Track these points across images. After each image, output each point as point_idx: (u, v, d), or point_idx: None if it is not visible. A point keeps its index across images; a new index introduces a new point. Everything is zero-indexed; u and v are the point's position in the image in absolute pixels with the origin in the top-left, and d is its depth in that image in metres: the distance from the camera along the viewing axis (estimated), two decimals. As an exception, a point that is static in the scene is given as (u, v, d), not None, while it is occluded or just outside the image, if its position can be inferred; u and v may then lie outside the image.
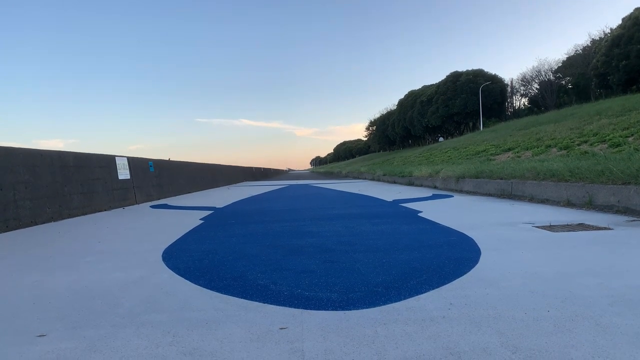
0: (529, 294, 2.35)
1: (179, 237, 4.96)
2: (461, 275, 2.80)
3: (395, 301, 2.32)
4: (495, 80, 47.42)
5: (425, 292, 2.47)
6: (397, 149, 73.57)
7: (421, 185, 14.56)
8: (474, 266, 3.05)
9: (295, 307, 2.27)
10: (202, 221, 6.50)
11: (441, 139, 58.76)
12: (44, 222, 6.77)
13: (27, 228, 6.29)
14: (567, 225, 4.99)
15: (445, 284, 2.63)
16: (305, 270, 3.06)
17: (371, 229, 5.09)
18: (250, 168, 38.31)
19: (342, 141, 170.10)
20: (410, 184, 15.77)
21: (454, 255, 3.40)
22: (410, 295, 2.41)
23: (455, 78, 49.13)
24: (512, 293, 2.39)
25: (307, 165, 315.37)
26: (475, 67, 49.99)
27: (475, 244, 3.93)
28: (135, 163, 11.01)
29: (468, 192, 10.46)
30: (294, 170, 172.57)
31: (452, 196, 9.65)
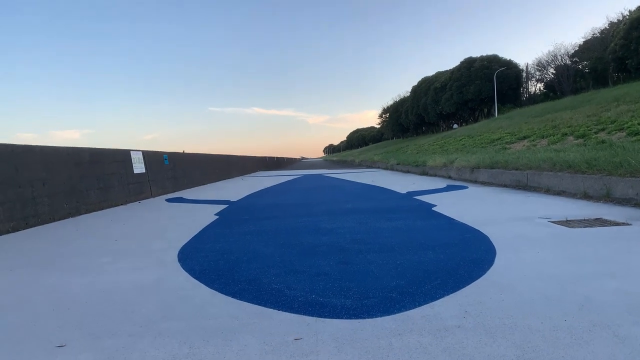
0: (545, 300, 2.33)
1: (195, 234, 5.01)
2: (476, 279, 2.78)
3: (410, 308, 2.31)
4: (510, 66, 46.62)
5: (440, 297, 2.46)
6: (410, 137, 73.02)
7: (435, 175, 14.47)
8: (489, 268, 3.02)
9: (309, 315, 2.28)
10: (217, 216, 6.54)
11: (455, 125, 58.16)
12: (62, 218, 6.87)
13: (45, 225, 6.40)
14: (584, 220, 4.92)
15: (460, 288, 2.61)
16: (320, 273, 3.07)
17: (385, 225, 5.08)
18: (264, 158, 38.37)
19: (355, 129, 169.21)
20: (424, 173, 15.67)
21: (468, 256, 3.37)
22: (425, 302, 2.40)
23: (469, 64, 48.40)
24: (528, 299, 2.37)
25: (320, 153, 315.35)
26: (490, 52, 49.17)
27: (490, 242, 3.89)
28: (150, 157, 11.10)
29: (483, 183, 10.37)
30: (308, 159, 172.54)
31: (466, 187, 9.57)
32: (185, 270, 3.33)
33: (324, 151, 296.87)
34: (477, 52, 56.86)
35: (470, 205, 6.59)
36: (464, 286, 2.65)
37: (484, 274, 2.88)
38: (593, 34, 45.91)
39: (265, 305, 2.46)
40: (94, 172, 8.23)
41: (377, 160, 28.17)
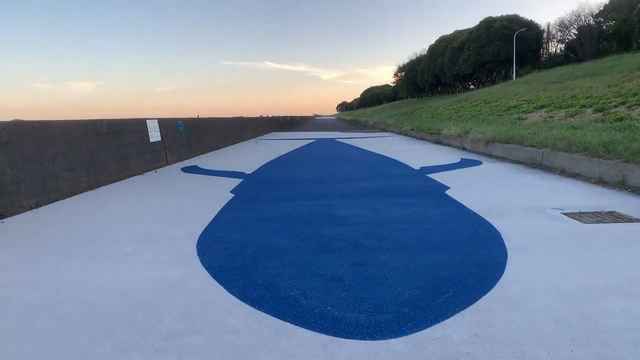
0: (553, 324, 2.41)
1: (211, 218, 5.13)
2: (487, 292, 2.86)
3: (422, 328, 2.41)
4: (531, 27, 45.08)
5: (451, 315, 2.55)
6: (425, 96, 71.91)
7: (449, 145, 14.39)
8: (500, 276, 3.10)
9: (325, 333, 2.39)
10: (232, 194, 6.65)
11: (472, 87, 57.10)
12: (82, 192, 7.04)
13: (66, 199, 6.57)
14: (597, 213, 4.94)
15: (471, 303, 2.70)
16: (334, 278, 3.17)
17: (398, 213, 5.15)
18: (277, 118, 38.28)
19: (369, 86, 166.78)
20: (438, 142, 15.58)
21: (479, 260, 3.44)
22: (437, 320, 2.50)
23: (488, 24, 46.90)
24: (537, 320, 2.45)
25: (334, 111, 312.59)
26: (511, 12, 47.62)
27: (502, 240, 3.96)
28: (165, 124, 11.17)
29: (497, 158, 10.32)
30: (320, 117, 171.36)
31: (480, 163, 9.54)
32: (205, 268, 3.46)
33: (337, 108, 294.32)
34: (497, 12, 55.09)
35: (483, 188, 6.61)
36: (474, 301, 2.74)
37: (494, 286, 2.95)
38: (620, -6, 44.08)
39: (282, 319, 2.57)
40: (112, 144, 8.34)
41: (391, 124, 27.92)
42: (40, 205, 6.05)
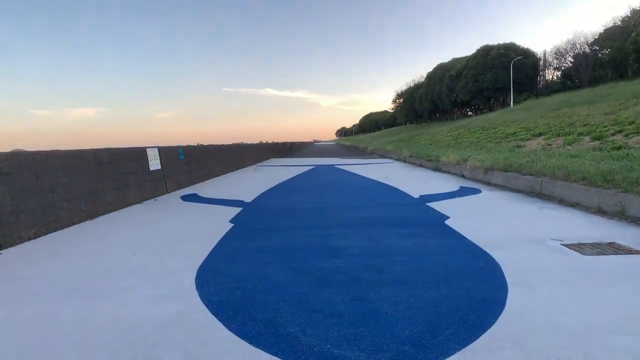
0: (555, 363, 2.39)
1: (211, 249, 5.12)
2: (487, 328, 2.84)
3: (423, 368, 2.39)
4: (527, 55, 45.89)
5: (452, 353, 2.53)
6: (424, 122, 72.54)
7: (449, 172, 14.43)
8: (500, 312, 3.08)
9: (325, 374, 2.36)
10: (231, 224, 6.64)
11: (470, 113, 57.62)
12: (81, 221, 7.03)
13: (65, 229, 6.56)
14: (598, 244, 4.94)
15: (472, 341, 2.68)
16: (334, 314, 3.15)
17: (398, 244, 5.14)
18: (277, 144, 38.49)
19: (367, 112, 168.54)
20: (437, 169, 15.64)
21: (480, 295, 3.43)
22: (437, 359, 2.48)
23: (485, 52, 47.70)
24: None
25: (333, 136, 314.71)
26: (507, 40, 48.53)
27: (502, 273, 3.95)
28: (165, 152, 11.22)
29: (496, 186, 10.34)
30: (320, 142, 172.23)
31: (480, 191, 9.56)
32: (204, 303, 3.43)
33: (336, 134, 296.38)
34: (494, 40, 56.05)
35: (482, 219, 6.60)
36: (475, 338, 2.71)
37: (495, 322, 2.93)
38: (614, 22, 44.98)
39: (282, 357, 2.55)
40: (112, 173, 8.37)
41: (390, 150, 28.08)
42: (39, 236, 6.03)
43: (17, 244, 5.60)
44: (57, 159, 6.86)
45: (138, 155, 9.74)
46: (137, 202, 9.07)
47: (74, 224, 6.85)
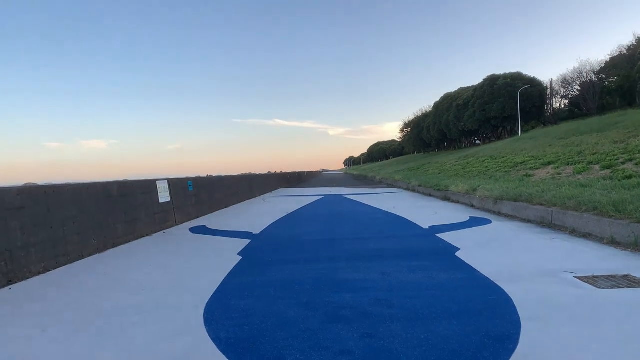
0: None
1: (219, 283, 5.09)
2: (501, 367, 2.78)
3: (435, 409, 2.33)
4: (534, 84, 46.19)
5: (464, 394, 2.48)
6: (432, 151, 72.71)
7: (458, 202, 14.37)
8: (513, 350, 3.02)
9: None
10: (240, 257, 6.62)
11: (478, 142, 57.69)
12: (90, 255, 7.05)
13: (75, 263, 6.57)
14: (612, 276, 4.85)
15: (485, 381, 2.62)
16: (344, 351, 3.10)
17: (408, 278, 5.09)
18: (285, 174, 38.64)
19: (375, 142, 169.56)
20: (446, 199, 15.57)
21: (492, 331, 3.36)
22: (450, 400, 2.42)
23: (492, 82, 48.10)
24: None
25: (341, 165, 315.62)
26: (513, 69, 48.88)
27: (514, 308, 3.88)
28: (175, 184, 11.30)
29: (506, 216, 10.26)
30: (328, 171, 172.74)
31: (490, 222, 9.48)
32: (212, 340, 3.40)
33: (344, 163, 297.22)
34: (500, 70, 56.57)
35: (493, 250, 6.53)
36: (488, 378, 2.65)
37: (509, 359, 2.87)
38: (620, 51, 45.26)
39: (291, 398, 2.51)
40: (122, 205, 8.43)
41: (399, 179, 28.05)
42: (49, 270, 6.04)
43: (27, 278, 5.61)
44: (68, 192, 6.94)
45: (148, 187, 9.82)
46: (147, 235, 9.09)
47: (83, 257, 6.87)
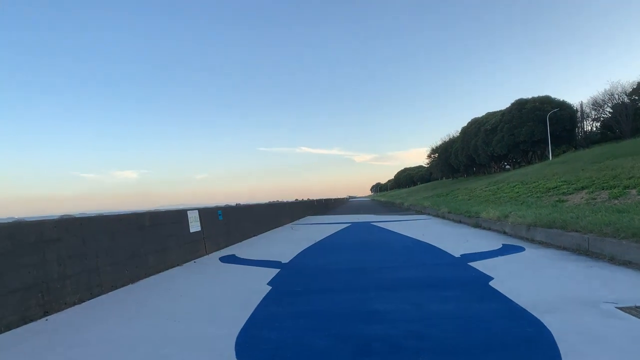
0: None
1: (250, 314, 5.09)
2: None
3: None
4: (563, 107, 45.49)
5: None
6: (460, 177, 71.92)
7: (489, 229, 14.08)
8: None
9: None
10: (269, 287, 6.62)
11: (508, 167, 56.82)
12: (123, 285, 7.15)
13: (108, 293, 6.67)
14: (656, 307, 4.65)
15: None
16: (377, 386, 3.04)
17: (439, 308, 4.98)
18: (312, 201, 38.70)
19: (402, 168, 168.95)
20: (477, 225, 15.29)
21: (531, 366, 3.25)
22: None
23: (520, 106, 47.60)
24: None
25: (368, 192, 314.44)
26: (542, 93, 48.20)
27: (553, 341, 3.75)
28: (205, 214, 11.45)
29: (540, 243, 10.00)
30: (355, 198, 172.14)
31: (523, 249, 9.25)
32: (243, 373, 3.38)
33: (371, 190, 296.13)
34: (528, 94, 55.98)
35: (528, 279, 6.35)
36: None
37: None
38: (652, 72, 44.31)
39: None
40: (153, 236, 8.57)
41: (427, 205, 27.73)
42: (83, 301, 6.15)
43: (63, 309, 5.72)
44: (102, 223, 7.10)
45: (179, 217, 9.97)
46: (177, 265, 9.19)
47: (116, 288, 6.97)
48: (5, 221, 5.61)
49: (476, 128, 57.21)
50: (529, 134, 45.64)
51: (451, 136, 74.21)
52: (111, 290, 6.84)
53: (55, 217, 6.48)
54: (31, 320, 5.21)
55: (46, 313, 5.45)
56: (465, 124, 63.65)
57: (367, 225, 19.12)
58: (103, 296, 6.52)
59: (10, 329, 4.89)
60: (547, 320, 4.33)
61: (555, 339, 3.81)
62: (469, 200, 26.27)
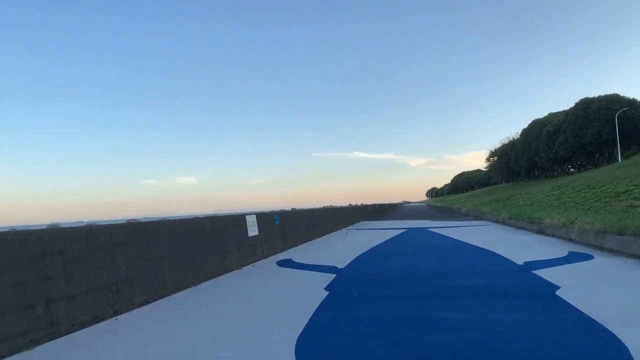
0: None
1: (308, 319, 5.10)
2: None
3: None
4: (633, 105, 42.82)
5: None
6: (521, 181, 69.37)
7: (553, 236, 13.45)
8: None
9: None
10: (327, 292, 6.63)
11: (572, 170, 54.23)
12: (185, 288, 7.39)
13: (171, 295, 6.91)
14: None
15: None
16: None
17: (504, 319, 4.80)
18: (366, 206, 38.53)
19: (460, 172, 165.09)
20: (540, 232, 14.65)
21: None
22: None
23: (585, 105, 45.28)
24: None
25: (423, 197, 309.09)
26: (609, 92, 45.61)
27: (631, 357, 3.50)
28: (262, 218, 11.66)
29: (610, 251, 9.43)
30: (409, 203, 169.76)
31: (592, 257, 8.76)
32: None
33: (426, 195, 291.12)
34: (593, 92, 53.24)
35: (599, 289, 6.01)
36: None
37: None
38: None
39: None
40: (213, 240, 8.82)
41: (486, 211, 26.89)
42: (149, 302, 6.41)
43: (130, 310, 5.98)
44: (166, 227, 7.39)
45: (237, 222, 10.21)
46: (236, 268, 9.40)
47: (179, 290, 7.21)
48: (76, 225, 5.95)
49: (537, 129, 54.96)
50: (595, 134, 43.32)
51: (511, 138, 71.76)
52: (174, 292, 7.08)
53: (122, 221, 6.80)
54: (102, 320, 5.48)
55: (116, 313, 5.72)
56: (525, 126, 61.38)
57: (424, 231, 18.80)
58: (167, 298, 6.77)
59: (83, 327, 5.17)
60: (622, 334, 4.06)
61: (632, 355, 3.57)
62: (530, 205, 25.27)
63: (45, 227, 5.34)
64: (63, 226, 5.52)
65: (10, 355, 4.27)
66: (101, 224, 6.27)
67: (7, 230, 4.85)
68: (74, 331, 5.02)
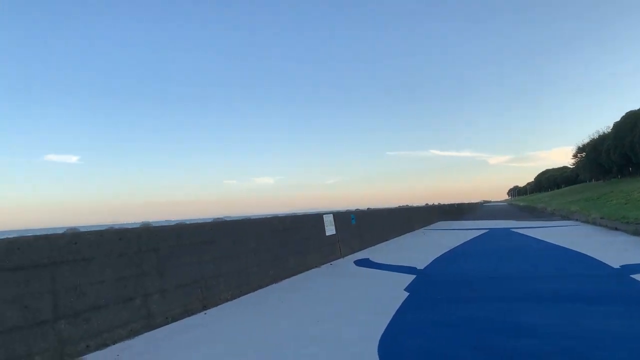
0: None
1: (390, 319, 5.10)
2: None
3: None
4: None
5: None
6: (613, 178, 64.47)
7: (653, 237, 12.41)
8: None
9: None
10: (407, 293, 6.57)
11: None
12: (267, 285, 7.64)
13: (254, 292, 7.18)
14: None
15: None
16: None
17: (600, 325, 4.51)
18: (443, 206, 37.58)
19: (543, 169, 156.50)
20: (638, 233, 13.54)
21: None
22: None
23: (690, 94, 41.23)
24: None
25: (504, 196, 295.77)
26: None
27: None
28: (339, 217, 11.77)
29: None
30: (490, 203, 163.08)
31: (700, 262, 7.98)
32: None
33: (508, 194, 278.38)
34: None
35: None
36: None
37: None
38: None
39: None
40: (293, 238, 9.04)
41: (575, 211, 25.28)
42: (235, 298, 6.70)
43: (218, 305, 6.29)
44: (250, 226, 7.68)
45: (315, 221, 10.39)
46: (315, 267, 9.56)
47: (261, 287, 7.47)
48: (164, 224, 6.33)
49: (632, 122, 50.76)
50: (702, 127, 39.30)
51: (601, 132, 66.87)
52: (257, 289, 7.35)
53: (209, 220, 7.15)
54: (192, 314, 5.81)
55: (205, 307, 6.03)
56: (618, 119, 56.92)
57: (507, 231, 18.04)
58: (251, 294, 7.03)
59: (175, 320, 5.51)
60: None
61: None
62: (625, 204, 23.40)
63: (139, 226, 5.75)
64: (154, 225, 5.90)
65: (114, 344, 4.65)
66: (189, 222, 6.63)
67: (106, 228, 5.27)
68: (167, 323, 5.37)
